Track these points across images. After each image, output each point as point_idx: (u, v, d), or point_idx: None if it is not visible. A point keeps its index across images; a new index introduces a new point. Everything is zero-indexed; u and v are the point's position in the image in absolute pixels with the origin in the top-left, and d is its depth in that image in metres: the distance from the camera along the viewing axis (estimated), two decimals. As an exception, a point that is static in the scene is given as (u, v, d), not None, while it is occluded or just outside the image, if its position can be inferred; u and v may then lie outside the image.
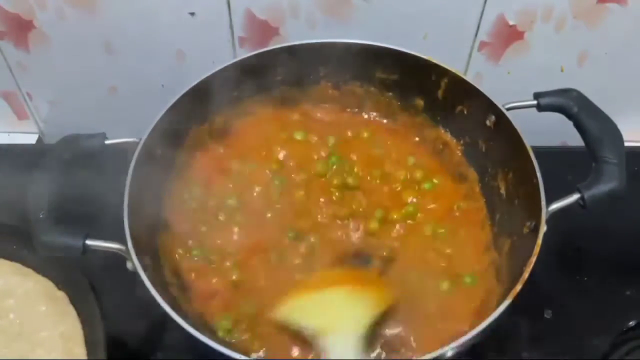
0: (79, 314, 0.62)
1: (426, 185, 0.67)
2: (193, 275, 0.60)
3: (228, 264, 0.61)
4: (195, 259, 0.61)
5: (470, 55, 0.78)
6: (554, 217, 0.54)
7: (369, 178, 0.67)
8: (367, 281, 0.58)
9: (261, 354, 0.56)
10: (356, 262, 0.61)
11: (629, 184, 0.55)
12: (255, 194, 0.65)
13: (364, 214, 0.64)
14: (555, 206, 0.54)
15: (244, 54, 0.67)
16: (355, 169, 0.68)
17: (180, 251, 0.61)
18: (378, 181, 0.67)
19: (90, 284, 0.61)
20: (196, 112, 0.67)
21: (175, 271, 0.60)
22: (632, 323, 0.65)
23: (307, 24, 0.75)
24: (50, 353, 0.59)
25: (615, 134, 0.57)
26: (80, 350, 0.60)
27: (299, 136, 0.70)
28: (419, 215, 0.64)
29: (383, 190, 0.67)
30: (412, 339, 0.56)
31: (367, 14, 0.73)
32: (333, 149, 0.69)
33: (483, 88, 0.63)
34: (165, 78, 0.82)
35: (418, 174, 0.67)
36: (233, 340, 0.56)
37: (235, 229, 0.63)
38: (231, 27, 0.76)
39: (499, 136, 0.63)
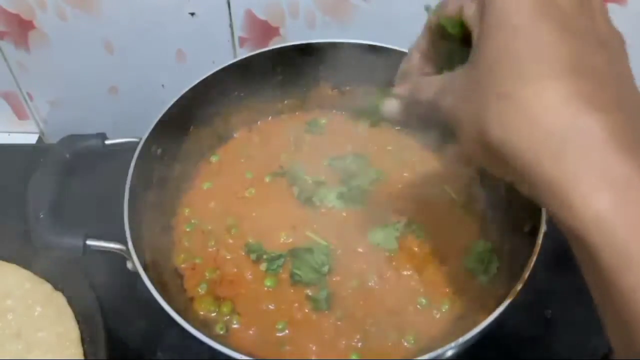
0: (78, 314, 0.62)
1: None
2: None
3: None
4: (197, 260, 0.61)
5: (470, 56, 0.78)
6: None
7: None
8: None
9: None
10: None
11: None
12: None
13: None
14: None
15: (244, 54, 0.67)
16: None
17: (182, 256, 0.61)
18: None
19: (90, 284, 0.61)
20: (196, 112, 0.67)
21: (175, 271, 0.60)
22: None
23: (307, 24, 0.75)
24: (47, 353, 0.59)
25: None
26: (77, 351, 0.60)
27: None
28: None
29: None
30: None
31: (367, 14, 0.73)
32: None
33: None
34: (165, 78, 0.82)
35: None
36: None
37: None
38: (231, 27, 0.76)
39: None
